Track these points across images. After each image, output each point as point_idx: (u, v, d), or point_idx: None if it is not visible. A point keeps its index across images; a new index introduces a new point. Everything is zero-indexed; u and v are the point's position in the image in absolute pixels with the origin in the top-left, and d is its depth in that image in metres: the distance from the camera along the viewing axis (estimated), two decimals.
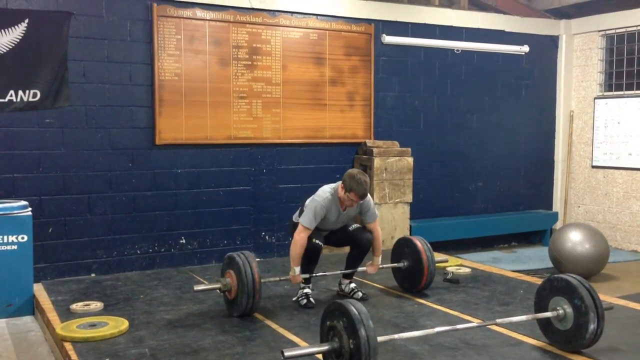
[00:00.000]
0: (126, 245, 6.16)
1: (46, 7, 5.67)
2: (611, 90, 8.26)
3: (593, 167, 8.42)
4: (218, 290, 4.56)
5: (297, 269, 4.62)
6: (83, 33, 5.84)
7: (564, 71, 8.63)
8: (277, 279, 4.88)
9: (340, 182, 4.64)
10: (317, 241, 4.63)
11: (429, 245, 5.09)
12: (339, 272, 5.08)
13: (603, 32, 8.27)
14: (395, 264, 5.19)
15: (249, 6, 6.57)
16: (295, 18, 6.82)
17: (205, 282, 5.56)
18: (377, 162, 6.96)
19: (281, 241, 6.87)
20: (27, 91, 5.57)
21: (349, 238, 4.92)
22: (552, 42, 8.60)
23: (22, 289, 5.10)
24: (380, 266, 5.03)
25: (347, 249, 5.07)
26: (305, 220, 4.59)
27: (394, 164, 7.05)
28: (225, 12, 6.45)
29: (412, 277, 5.10)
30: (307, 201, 4.75)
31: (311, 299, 4.77)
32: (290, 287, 5.22)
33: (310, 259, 4.71)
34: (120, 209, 6.11)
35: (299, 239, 4.56)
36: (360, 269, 5.01)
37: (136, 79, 6.11)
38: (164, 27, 6.16)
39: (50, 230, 5.81)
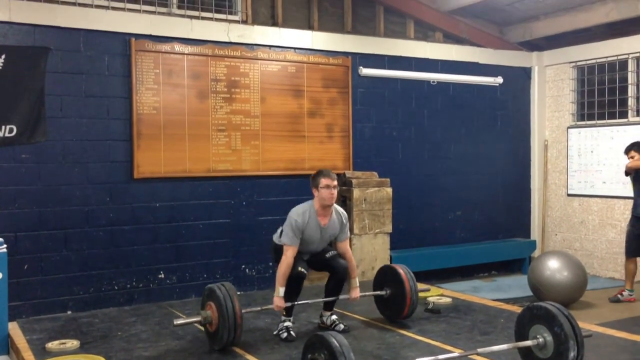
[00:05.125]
0: (103, 281, 6.06)
1: (23, 43, 5.67)
2: (584, 120, 8.44)
3: (569, 195, 8.54)
4: (198, 324, 4.51)
5: (282, 290, 4.61)
6: (60, 68, 5.84)
7: (537, 101, 8.81)
8: (259, 308, 4.84)
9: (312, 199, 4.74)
10: (301, 269, 4.64)
11: (412, 274, 5.09)
12: (320, 299, 5.05)
13: (574, 64, 8.48)
14: (378, 292, 5.17)
15: (227, 40, 6.64)
16: (273, 51, 6.89)
17: (184, 316, 5.48)
18: (356, 192, 6.98)
19: (261, 274, 6.82)
20: (4, 127, 5.51)
21: (326, 265, 4.92)
22: (525, 74, 8.80)
23: None
24: (363, 294, 5.02)
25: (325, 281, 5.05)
26: (286, 239, 4.65)
27: (373, 194, 7.08)
28: (204, 46, 6.50)
29: (394, 305, 5.08)
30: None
31: (292, 332, 4.73)
32: (271, 321, 5.17)
33: (293, 288, 4.70)
34: (97, 245, 6.03)
35: (285, 258, 4.60)
36: (342, 296, 4.98)
37: (114, 113, 6.10)
38: (142, 61, 6.19)
39: (25, 267, 5.70)
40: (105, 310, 5.92)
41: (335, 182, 4.70)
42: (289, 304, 4.70)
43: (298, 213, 4.70)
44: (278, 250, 4.78)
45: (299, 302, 4.85)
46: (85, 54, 5.97)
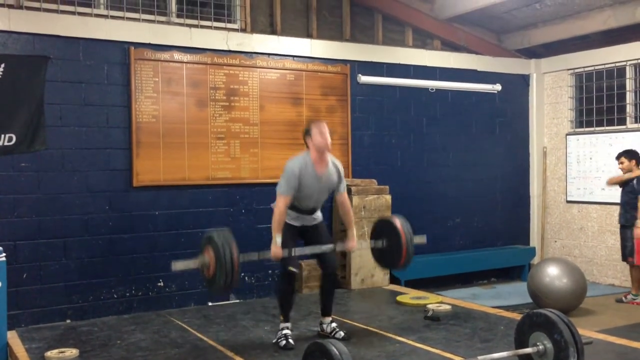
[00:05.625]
0: (102, 289, 6.05)
1: (23, 52, 5.68)
2: (582, 127, 8.45)
3: (568, 202, 8.54)
4: (198, 268, 4.45)
5: (279, 239, 4.59)
6: (60, 77, 5.85)
7: (535, 108, 8.83)
8: (256, 255, 4.71)
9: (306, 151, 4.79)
10: (291, 268, 4.63)
11: (409, 225, 4.96)
12: (318, 250, 4.82)
13: (572, 71, 8.51)
14: (375, 244, 5.05)
15: (226, 48, 6.66)
16: (272, 60, 6.91)
17: (184, 324, 5.49)
18: (355, 200, 6.98)
19: (261, 282, 6.81)
20: (3, 135, 5.52)
21: (319, 257, 4.89)
22: (523, 81, 8.82)
23: None
24: (359, 248, 4.97)
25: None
26: (281, 188, 4.69)
27: (372, 202, 7.08)
28: (203, 55, 6.52)
29: (391, 256, 4.96)
30: None
31: (290, 339, 4.71)
32: (271, 329, 5.17)
33: (286, 286, 4.72)
34: (96, 253, 6.02)
35: (277, 209, 4.66)
36: (339, 247, 4.96)
37: (113, 122, 6.11)
38: (142, 69, 6.20)
39: (24, 276, 5.70)
40: (104, 318, 5.91)
41: (327, 129, 4.75)
42: (286, 253, 4.61)
43: (294, 162, 4.73)
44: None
45: (299, 255, 4.70)
46: (85, 63, 5.98)
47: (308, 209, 4.85)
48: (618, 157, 7.03)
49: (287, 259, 4.64)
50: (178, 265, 4.49)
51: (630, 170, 6.89)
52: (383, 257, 5.11)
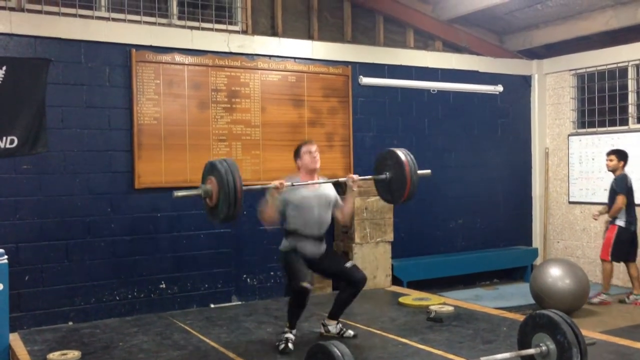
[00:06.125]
0: (105, 291, 6.05)
1: (25, 54, 5.69)
2: (584, 127, 8.44)
3: (570, 202, 8.53)
4: (200, 196, 4.35)
5: (273, 183, 4.58)
6: (62, 79, 5.86)
7: (537, 109, 8.82)
8: (259, 187, 4.72)
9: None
10: (305, 284, 4.54)
11: (412, 156, 4.89)
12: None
13: (574, 72, 8.50)
14: (379, 177, 4.98)
15: (227, 50, 6.66)
16: (274, 61, 6.91)
17: (186, 326, 5.48)
18: (357, 202, 6.97)
19: (263, 284, 6.81)
20: (5, 138, 5.53)
21: (345, 275, 4.85)
22: (525, 82, 8.81)
23: None
24: (362, 178, 4.98)
25: (327, 290, 5.02)
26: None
27: (374, 203, 7.07)
28: (204, 57, 6.52)
29: (395, 188, 4.89)
30: None
31: (289, 344, 4.65)
32: (273, 331, 5.15)
33: (298, 303, 4.64)
34: (98, 255, 6.02)
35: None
36: (342, 179, 5.01)
37: (115, 124, 6.11)
38: (143, 72, 6.21)
39: (26, 278, 5.70)
40: (106, 320, 5.90)
41: (316, 148, 4.83)
42: (289, 182, 4.61)
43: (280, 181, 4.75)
44: (288, 263, 4.73)
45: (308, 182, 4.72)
46: (86, 65, 5.99)
47: (314, 234, 4.79)
48: (609, 154, 7.09)
49: (302, 274, 4.58)
50: (180, 193, 4.34)
51: (615, 169, 6.98)
52: (387, 190, 5.00)
